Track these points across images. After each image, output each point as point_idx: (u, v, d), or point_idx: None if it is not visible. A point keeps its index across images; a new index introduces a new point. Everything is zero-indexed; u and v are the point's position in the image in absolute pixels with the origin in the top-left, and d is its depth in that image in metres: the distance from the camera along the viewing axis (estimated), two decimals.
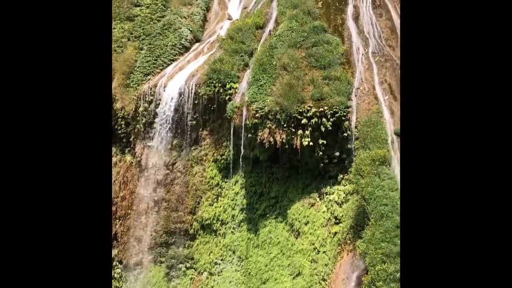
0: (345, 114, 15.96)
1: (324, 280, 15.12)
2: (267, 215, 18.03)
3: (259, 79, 17.43)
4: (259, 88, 17.26)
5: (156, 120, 19.44)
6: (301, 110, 15.99)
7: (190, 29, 22.37)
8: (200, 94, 18.64)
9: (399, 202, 12.57)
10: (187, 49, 21.80)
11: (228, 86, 18.19)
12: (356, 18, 20.25)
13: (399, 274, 11.09)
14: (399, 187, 12.05)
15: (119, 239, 19.95)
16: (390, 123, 15.28)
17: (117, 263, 19.65)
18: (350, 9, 20.62)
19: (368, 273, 11.62)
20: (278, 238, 17.34)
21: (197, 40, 22.62)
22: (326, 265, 15.29)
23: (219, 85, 18.26)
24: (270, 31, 20.56)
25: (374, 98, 16.45)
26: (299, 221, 16.87)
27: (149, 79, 20.35)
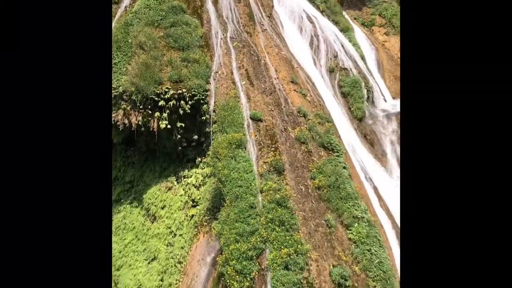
0: (203, 97, 16.02)
1: (180, 263, 15.15)
2: (122, 200, 17.34)
3: (113, 57, 16.47)
4: (112, 67, 16.31)
5: None
6: (158, 92, 15.58)
7: None
8: None
9: (253, 184, 13.16)
10: None
11: None
12: (215, 1, 20.32)
13: (251, 252, 11.70)
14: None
15: None
16: (247, 108, 15.75)
17: None
18: None
19: (223, 253, 11.94)
20: (133, 224, 16.82)
21: None
22: (182, 248, 15.33)
23: None
24: (126, 7, 19.51)
25: (231, 83, 16.79)
26: (155, 205, 16.56)
27: None
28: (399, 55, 20.50)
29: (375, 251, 12.45)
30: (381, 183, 14.73)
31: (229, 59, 17.89)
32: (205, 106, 16.05)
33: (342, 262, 12.05)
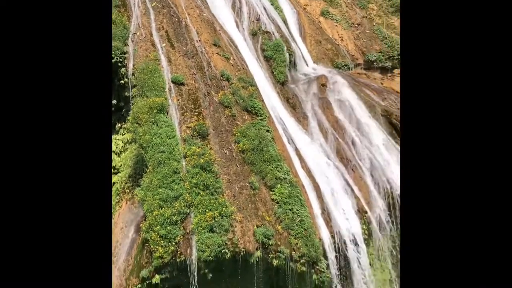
0: (121, 60, 15.31)
1: None
2: None
3: None
4: None
5: None
6: None
7: None
8: None
9: (176, 149, 12.99)
10: None
11: None
12: None
13: (176, 217, 11.68)
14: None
15: None
16: (168, 71, 15.28)
17: None
18: None
19: (146, 219, 11.81)
20: None
21: None
22: None
23: None
24: None
25: (151, 45, 16.13)
26: None
27: None
28: (320, 20, 20.90)
29: (297, 210, 12.90)
30: (303, 145, 15.15)
31: (148, 20, 17.13)
32: (123, 69, 15.36)
33: (266, 222, 12.43)
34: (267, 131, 14.59)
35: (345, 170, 14.75)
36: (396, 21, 20.86)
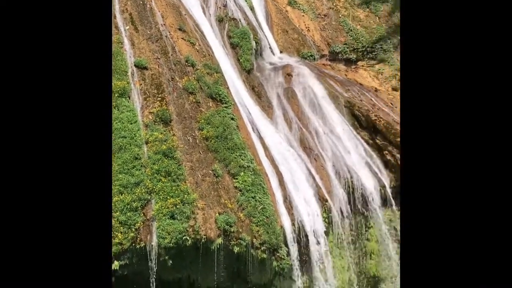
0: None
1: None
2: None
3: None
4: None
5: None
6: None
7: None
8: None
9: (137, 134, 12.77)
10: None
11: None
12: None
13: (136, 203, 11.53)
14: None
15: None
16: (131, 55, 14.92)
17: None
18: None
19: None
20: None
21: None
22: None
23: None
24: None
25: (114, 27, 15.63)
26: None
27: None
28: (287, 9, 20.87)
29: (259, 198, 12.98)
30: (267, 133, 15.17)
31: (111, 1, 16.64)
32: None
33: (228, 209, 12.47)
34: (232, 119, 14.53)
35: (307, 159, 14.91)
36: (361, 13, 21.07)
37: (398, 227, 14.69)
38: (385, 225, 14.75)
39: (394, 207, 14.81)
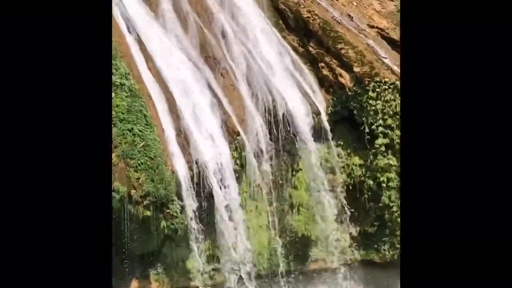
0: None
1: None
2: None
3: None
4: None
5: None
6: None
7: None
8: None
9: None
10: None
11: None
12: None
13: None
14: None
15: None
16: None
17: None
18: None
19: None
20: None
21: None
22: None
23: None
24: None
25: None
26: None
27: None
28: None
29: (140, 131, 12.96)
30: (150, 36, 14.84)
31: None
32: None
33: None
34: None
35: (211, 75, 14.70)
36: None
37: (337, 170, 15.11)
38: (319, 167, 14.90)
39: (331, 142, 15.00)
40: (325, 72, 15.51)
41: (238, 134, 14.31)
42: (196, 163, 13.66)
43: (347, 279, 14.99)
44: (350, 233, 15.40)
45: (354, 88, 14.84)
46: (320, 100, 15.35)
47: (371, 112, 14.55)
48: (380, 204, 14.62)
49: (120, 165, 12.49)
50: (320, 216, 15.07)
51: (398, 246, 14.07)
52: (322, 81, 15.57)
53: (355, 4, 16.46)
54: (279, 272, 14.50)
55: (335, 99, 15.31)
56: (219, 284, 14.02)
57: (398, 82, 14.14)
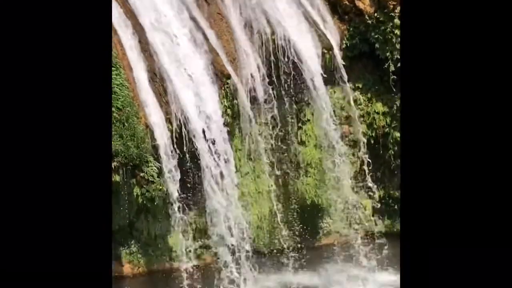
0: None
1: None
2: None
3: None
4: None
5: None
6: None
7: None
8: None
9: None
10: None
11: None
12: None
13: None
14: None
15: None
16: None
17: None
18: None
19: None
20: None
21: None
22: None
23: None
24: None
25: None
26: None
27: None
28: None
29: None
30: None
31: None
32: None
33: None
34: None
35: (192, 1, 14.31)
36: None
37: (355, 120, 14.74)
38: (332, 116, 14.58)
39: (346, 84, 14.69)
40: None
41: (229, 77, 14.11)
42: (176, 114, 13.53)
43: (367, 256, 14.55)
44: (372, 199, 15.14)
45: (376, 14, 14.31)
46: (333, 31, 15.04)
47: (398, 46, 13.96)
48: None
49: None
50: (334, 178, 14.93)
51: None
52: (335, 6, 15.17)
53: None
54: (283, 249, 14.33)
55: (351, 29, 14.93)
56: (208, 264, 13.94)
57: None
